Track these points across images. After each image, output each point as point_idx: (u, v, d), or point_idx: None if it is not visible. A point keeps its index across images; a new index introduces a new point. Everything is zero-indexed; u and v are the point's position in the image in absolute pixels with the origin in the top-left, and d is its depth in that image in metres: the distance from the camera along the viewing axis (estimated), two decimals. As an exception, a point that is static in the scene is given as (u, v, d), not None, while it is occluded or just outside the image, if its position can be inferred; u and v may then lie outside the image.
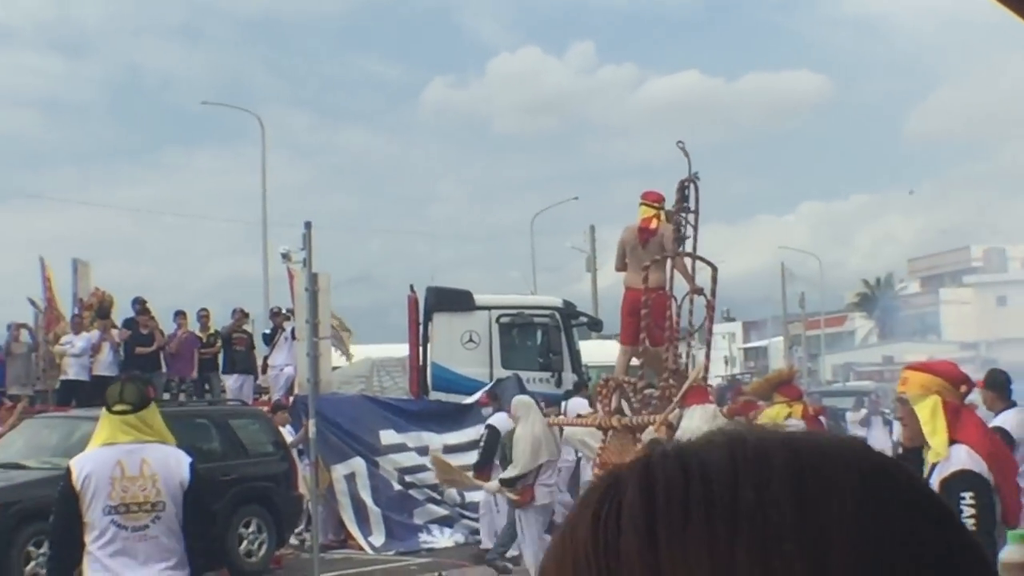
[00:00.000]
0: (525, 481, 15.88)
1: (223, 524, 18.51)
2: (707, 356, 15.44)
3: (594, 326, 36.87)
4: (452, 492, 20.90)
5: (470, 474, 17.99)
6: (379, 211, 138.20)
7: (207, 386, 26.36)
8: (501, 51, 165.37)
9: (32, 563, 15.92)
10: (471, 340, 26.40)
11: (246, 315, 27.34)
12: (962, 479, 6.52)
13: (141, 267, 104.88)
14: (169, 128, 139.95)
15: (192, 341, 26.18)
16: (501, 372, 24.42)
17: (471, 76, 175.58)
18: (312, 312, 16.62)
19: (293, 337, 23.33)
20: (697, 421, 14.02)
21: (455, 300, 27.07)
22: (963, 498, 6.41)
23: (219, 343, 26.63)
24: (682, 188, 14.72)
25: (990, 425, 12.65)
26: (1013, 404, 12.43)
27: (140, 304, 26.31)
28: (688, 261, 14.89)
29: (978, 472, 6.53)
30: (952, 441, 6.67)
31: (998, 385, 13.08)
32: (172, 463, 7.75)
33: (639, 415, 14.30)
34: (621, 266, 15.44)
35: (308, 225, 17.02)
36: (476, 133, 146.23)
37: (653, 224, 14.98)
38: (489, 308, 26.35)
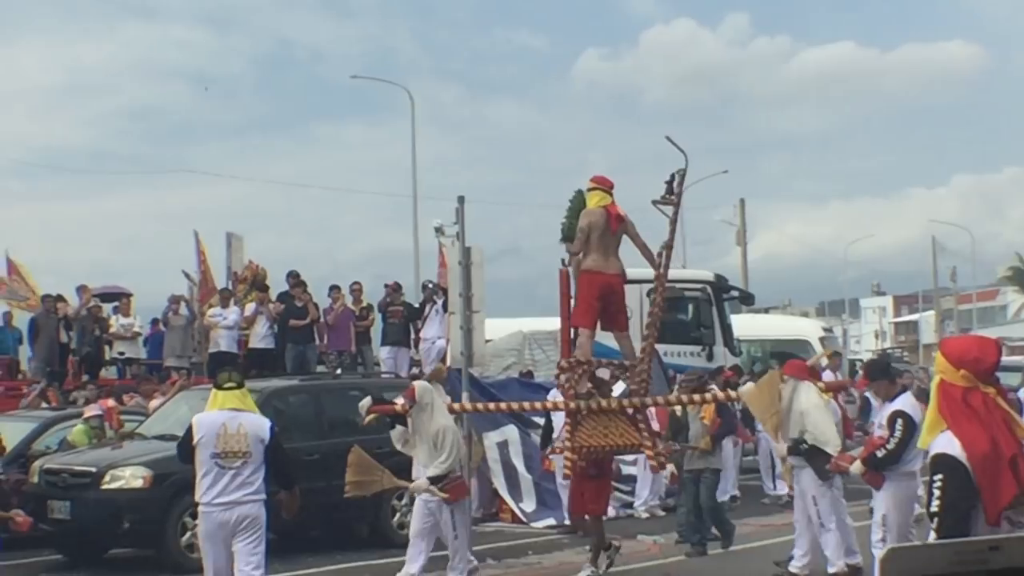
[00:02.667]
0: (454, 474, 14.32)
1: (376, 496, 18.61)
2: (654, 338, 14.90)
3: (745, 300, 36.60)
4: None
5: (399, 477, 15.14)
6: (528, 184, 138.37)
7: (360, 359, 26.55)
8: (655, 22, 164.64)
9: (187, 534, 16.02)
10: (622, 313, 26.24)
11: (400, 288, 27.42)
12: (933, 462, 6.17)
13: (291, 240, 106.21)
14: (319, 102, 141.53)
15: (347, 314, 26.35)
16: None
17: (624, 48, 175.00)
18: (466, 285, 16.59)
19: (445, 309, 23.36)
20: (809, 399, 13.87)
21: (606, 273, 26.89)
22: (934, 481, 6.12)
23: (372, 316, 26.78)
24: (671, 180, 14.78)
25: (889, 411, 12.48)
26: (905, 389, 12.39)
27: (294, 277, 26.51)
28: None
29: (951, 455, 6.10)
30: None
31: (881, 372, 13.32)
32: (257, 427, 11.40)
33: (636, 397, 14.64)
34: (581, 250, 14.91)
35: (461, 200, 16.96)
36: (627, 105, 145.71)
37: (622, 211, 15.03)
38: (640, 282, 26.12)
